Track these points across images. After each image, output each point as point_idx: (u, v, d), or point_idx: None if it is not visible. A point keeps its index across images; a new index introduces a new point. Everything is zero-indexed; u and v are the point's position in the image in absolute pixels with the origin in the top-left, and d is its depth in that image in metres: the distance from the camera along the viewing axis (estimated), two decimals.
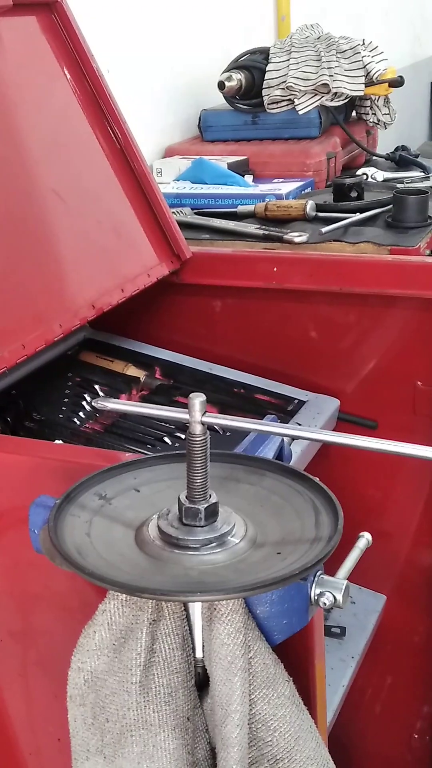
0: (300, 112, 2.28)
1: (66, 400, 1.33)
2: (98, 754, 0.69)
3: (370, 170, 2.25)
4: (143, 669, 0.66)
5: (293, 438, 0.68)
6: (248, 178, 2.15)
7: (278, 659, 0.67)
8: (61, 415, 1.30)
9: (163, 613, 0.66)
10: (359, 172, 2.26)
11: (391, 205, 1.77)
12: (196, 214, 1.89)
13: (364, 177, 2.13)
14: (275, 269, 1.39)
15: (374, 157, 2.50)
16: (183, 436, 1.21)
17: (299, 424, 1.32)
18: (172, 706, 0.67)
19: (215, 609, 0.65)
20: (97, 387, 1.37)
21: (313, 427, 1.33)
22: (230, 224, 1.81)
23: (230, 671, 0.64)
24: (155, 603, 0.66)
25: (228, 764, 0.65)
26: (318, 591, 0.66)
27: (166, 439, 1.25)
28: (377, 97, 2.45)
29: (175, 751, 0.66)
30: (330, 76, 2.25)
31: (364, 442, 0.64)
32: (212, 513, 0.66)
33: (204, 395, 0.66)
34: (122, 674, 0.67)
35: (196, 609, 0.67)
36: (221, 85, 2.31)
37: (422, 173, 2.27)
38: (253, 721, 0.67)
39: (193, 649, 0.68)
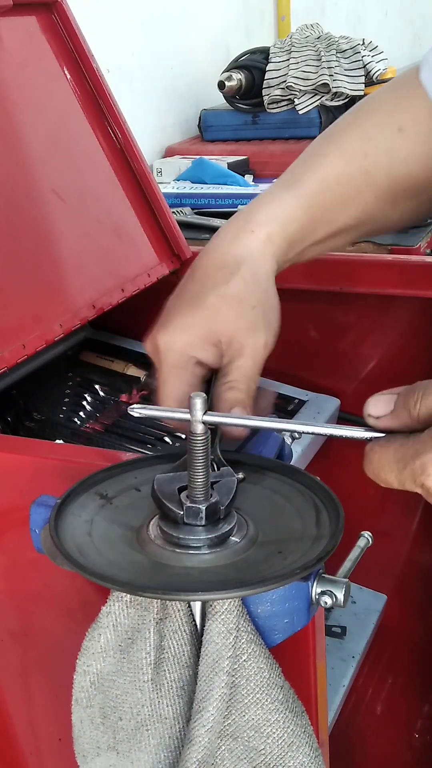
0: (300, 112, 2.28)
1: (66, 400, 1.33)
2: (111, 750, 0.70)
3: None
4: (154, 667, 0.67)
5: (293, 432, 0.68)
6: (248, 178, 2.15)
7: (274, 663, 0.67)
8: (61, 415, 1.30)
9: (169, 611, 0.66)
10: None
11: None
12: (196, 214, 1.89)
13: None
14: None
15: None
16: (184, 436, 1.21)
17: None
18: (185, 699, 0.67)
19: (210, 607, 0.65)
20: (97, 387, 1.37)
21: None
22: None
23: (213, 670, 0.64)
24: (160, 603, 0.66)
25: (186, 764, 0.64)
26: (319, 590, 0.65)
27: (167, 439, 1.25)
28: None
29: None
30: (330, 75, 2.25)
31: (366, 434, 0.65)
32: (213, 512, 0.66)
33: (205, 394, 0.66)
34: (133, 674, 0.67)
35: (197, 608, 0.67)
36: (221, 85, 2.32)
37: None
38: (246, 728, 0.66)
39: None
